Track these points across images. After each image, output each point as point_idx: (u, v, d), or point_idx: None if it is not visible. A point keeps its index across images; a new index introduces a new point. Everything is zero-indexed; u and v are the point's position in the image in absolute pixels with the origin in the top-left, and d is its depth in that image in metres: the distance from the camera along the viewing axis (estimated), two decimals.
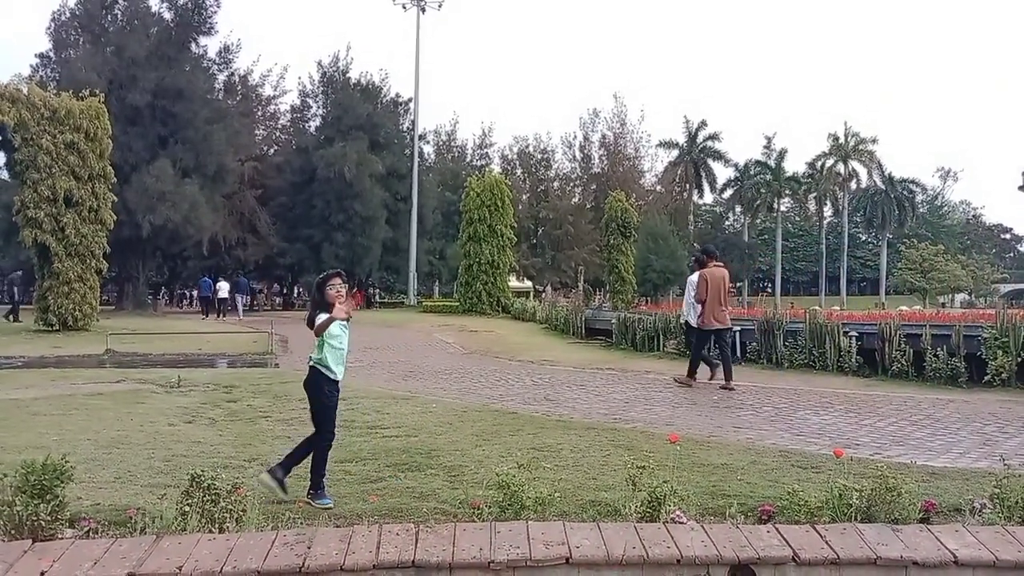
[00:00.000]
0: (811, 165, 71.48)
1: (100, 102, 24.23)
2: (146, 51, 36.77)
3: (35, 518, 4.31)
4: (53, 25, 39.21)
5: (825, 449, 6.92)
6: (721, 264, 11.99)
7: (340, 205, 42.14)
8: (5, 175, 35.39)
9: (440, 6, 45.17)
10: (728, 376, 11.39)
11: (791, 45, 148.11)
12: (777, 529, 4.64)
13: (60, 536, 4.37)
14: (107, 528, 4.55)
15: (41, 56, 39.21)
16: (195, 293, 41.46)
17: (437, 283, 57.39)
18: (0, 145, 27.08)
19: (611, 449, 6.88)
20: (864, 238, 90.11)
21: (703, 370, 12.00)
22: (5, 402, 9.77)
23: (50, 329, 22.59)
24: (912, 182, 74.02)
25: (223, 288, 37.69)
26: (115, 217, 24.84)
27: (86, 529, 4.48)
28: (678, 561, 4.25)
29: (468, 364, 15.71)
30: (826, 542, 4.46)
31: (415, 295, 43.78)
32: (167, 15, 39.57)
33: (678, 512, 4.76)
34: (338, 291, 5.25)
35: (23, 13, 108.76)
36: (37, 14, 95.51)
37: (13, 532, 4.33)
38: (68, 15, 39.26)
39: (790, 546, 4.40)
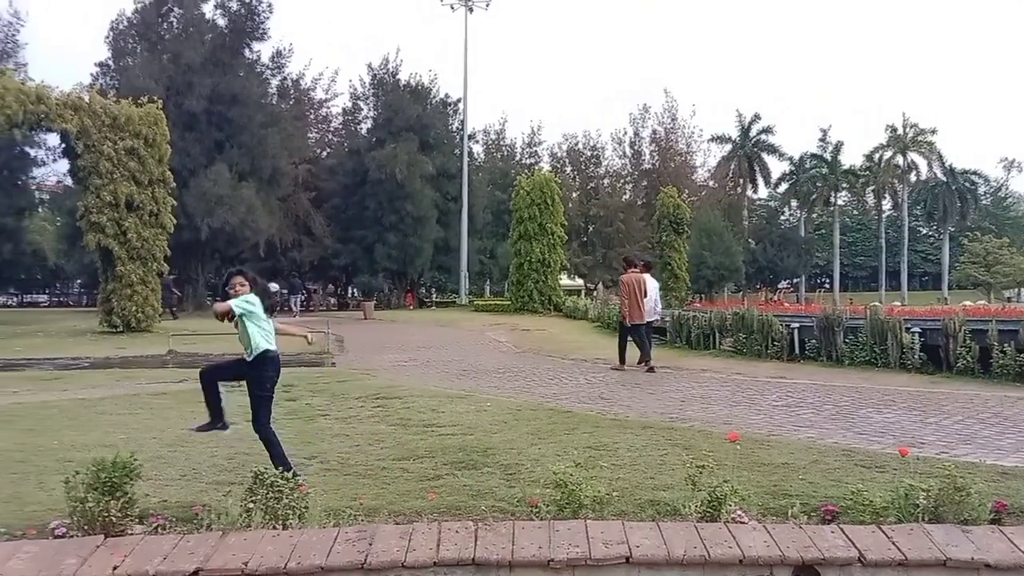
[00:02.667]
0: (868, 157, 69.81)
1: (158, 108, 24.77)
2: (201, 57, 37.52)
3: (106, 514, 4.44)
4: (111, 34, 40.21)
5: (889, 448, 6.77)
6: (637, 270, 14.29)
7: (392, 206, 42.54)
8: (69, 181, 36.44)
9: (488, 5, 45.24)
10: (643, 359, 13.66)
11: (845, 35, 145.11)
12: (842, 529, 4.56)
13: (130, 532, 4.50)
14: (174, 524, 4.66)
15: (101, 65, 40.25)
16: None
17: (488, 282, 57.51)
18: (64, 152, 27.91)
19: (668, 448, 6.81)
20: (925, 232, 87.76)
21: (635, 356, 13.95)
22: (74, 402, 10.09)
23: (114, 331, 23.19)
24: (974, 173, 71.96)
25: (271, 288, 38.50)
26: (175, 221, 25.37)
27: (154, 525, 4.60)
28: (740, 561, 4.20)
29: (521, 363, 15.72)
30: (893, 543, 4.37)
31: (466, 294, 43.94)
32: (221, 22, 40.37)
33: (739, 512, 4.70)
34: (236, 291, 5.87)
35: (83, 23, 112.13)
36: (96, 24, 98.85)
37: (86, 527, 4.47)
38: (125, 24, 40.22)
39: (855, 547, 4.32)
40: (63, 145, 25.79)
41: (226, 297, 5.90)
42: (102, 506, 4.44)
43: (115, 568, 4.04)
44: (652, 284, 14.69)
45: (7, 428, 8.11)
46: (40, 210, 53.08)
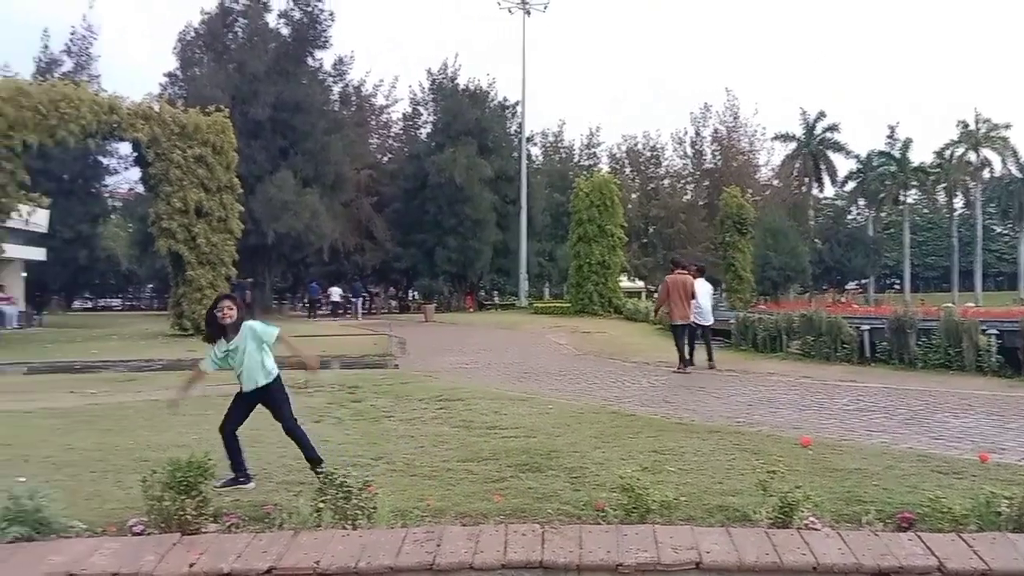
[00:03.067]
0: (939, 154, 67.79)
1: (225, 117, 25.43)
2: (266, 66, 38.38)
3: (182, 513, 4.55)
4: (179, 45, 41.47)
5: (967, 454, 6.54)
6: (684, 272, 14.37)
7: (451, 209, 42.87)
8: (140, 189, 37.63)
9: (545, 8, 45.25)
10: (708, 359, 14.17)
11: (911, 29, 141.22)
12: (919, 537, 4.41)
13: (205, 530, 4.60)
14: (247, 523, 4.75)
15: (169, 75, 41.58)
16: (323, 298, 43.63)
17: (547, 284, 57.45)
18: (135, 160, 28.92)
19: (736, 453, 6.70)
20: (999, 230, 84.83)
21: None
22: (148, 403, 10.38)
23: (184, 333, 23.84)
24: None
25: (335, 292, 39.77)
26: (242, 226, 25.99)
27: (228, 524, 4.69)
28: (814, 569, 4.10)
29: (582, 365, 15.64)
30: (974, 552, 4.22)
31: (526, 297, 43.97)
32: (284, 31, 41.24)
33: (812, 518, 4.60)
34: (224, 313, 5.87)
35: (152, 36, 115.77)
36: (165, 36, 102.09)
37: (163, 525, 4.59)
38: (192, 35, 41.44)
39: (935, 555, 4.18)
40: (135, 153, 26.67)
41: (213, 320, 5.92)
42: (178, 505, 4.56)
43: (191, 565, 4.13)
44: (705, 288, 14.95)
45: (87, 428, 8.39)
46: (113, 217, 55.06)
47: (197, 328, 23.71)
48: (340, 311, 40.07)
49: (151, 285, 63.18)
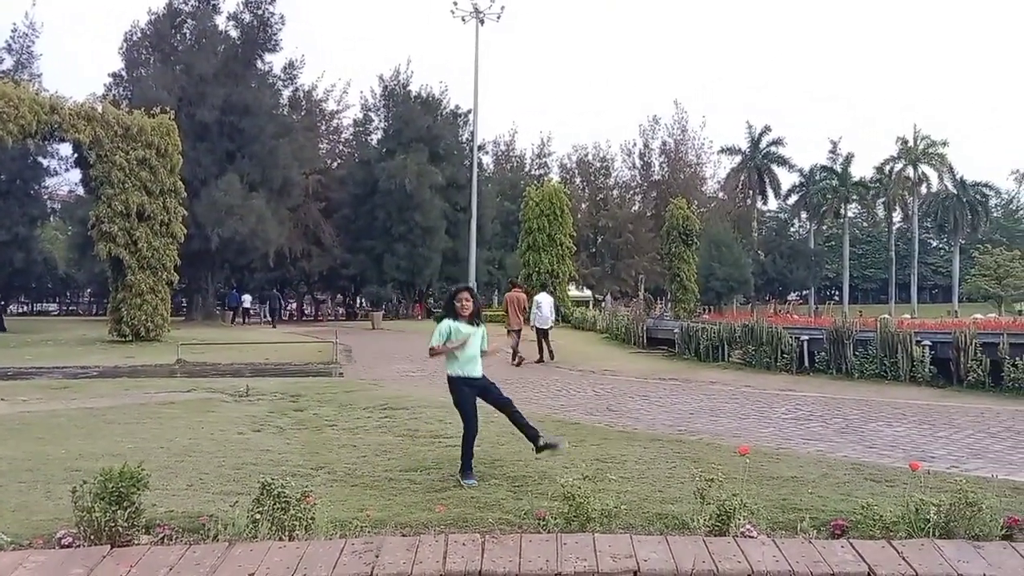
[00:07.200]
0: (879, 170, 69.62)
1: (170, 119, 24.95)
2: (214, 68, 37.72)
3: (113, 524, 4.42)
4: (125, 45, 40.51)
5: (899, 462, 6.73)
6: (519, 289, 18.80)
7: (401, 216, 42.65)
8: (81, 191, 36.64)
9: (498, 17, 45.31)
10: (550, 355, 18.15)
11: (855, 47, 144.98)
12: (851, 544, 4.52)
13: (137, 542, 4.48)
14: (181, 535, 4.64)
15: (114, 75, 40.54)
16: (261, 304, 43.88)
17: (496, 292, 57.48)
18: (76, 162, 28.14)
19: (677, 461, 6.78)
20: (935, 244, 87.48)
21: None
22: (82, 411, 10.10)
23: (123, 340, 23.27)
24: (985, 185, 71.52)
25: (246, 300, 41.00)
26: (185, 230, 25.49)
27: (161, 536, 4.58)
28: None
29: (528, 374, 15.69)
30: (903, 558, 4.33)
31: None
32: (234, 33, 40.59)
33: (748, 526, 4.67)
34: (463, 304, 6.34)
35: (97, 34, 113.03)
36: (111, 35, 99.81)
37: (92, 537, 4.45)
38: (139, 35, 40.52)
39: (865, 562, 4.28)
40: (76, 155, 25.95)
41: (451, 306, 6.39)
42: (109, 516, 4.42)
43: None
44: (547, 299, 18.57)
45: (16, 436, 8.12)
46: (52, 219, 53.44)
47: (136, 334, 23.25)
48: (244, 316, 40.61)
49: (90, 290, 61.48)
